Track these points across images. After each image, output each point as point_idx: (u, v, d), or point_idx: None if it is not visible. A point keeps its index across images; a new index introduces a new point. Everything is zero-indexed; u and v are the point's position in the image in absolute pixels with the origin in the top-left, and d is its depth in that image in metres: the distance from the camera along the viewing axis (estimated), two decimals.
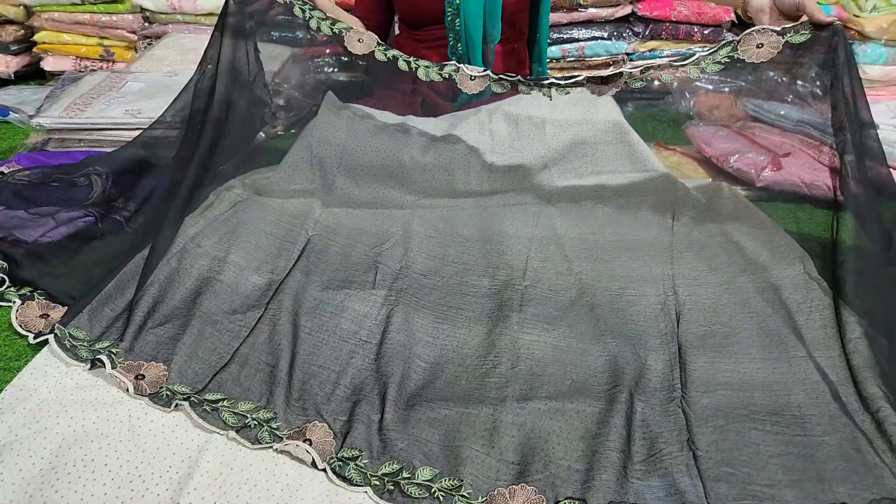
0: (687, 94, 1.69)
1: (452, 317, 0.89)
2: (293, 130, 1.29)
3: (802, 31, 0.89)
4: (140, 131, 1.27)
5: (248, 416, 0.72)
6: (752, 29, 0.91)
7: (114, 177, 1.13)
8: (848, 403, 0.75)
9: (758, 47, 0.90)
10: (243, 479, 0.66)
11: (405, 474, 0.67)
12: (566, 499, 0.64)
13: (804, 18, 0.89)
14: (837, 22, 0.88)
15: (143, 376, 0.76)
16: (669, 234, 1.06)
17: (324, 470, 0.67)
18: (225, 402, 0.74)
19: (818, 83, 1.56)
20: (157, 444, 0.69)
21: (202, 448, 0.68)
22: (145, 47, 1.77)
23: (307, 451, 0.68)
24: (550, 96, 0.99)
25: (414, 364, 0.81)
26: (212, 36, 1.07)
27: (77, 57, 1.81)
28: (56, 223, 1.03)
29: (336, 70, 1.65)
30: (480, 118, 1.18)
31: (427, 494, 0.65)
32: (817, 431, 0.72)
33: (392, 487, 0.66)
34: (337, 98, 1.20)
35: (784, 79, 1.62)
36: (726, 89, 1.69)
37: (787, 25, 0.90)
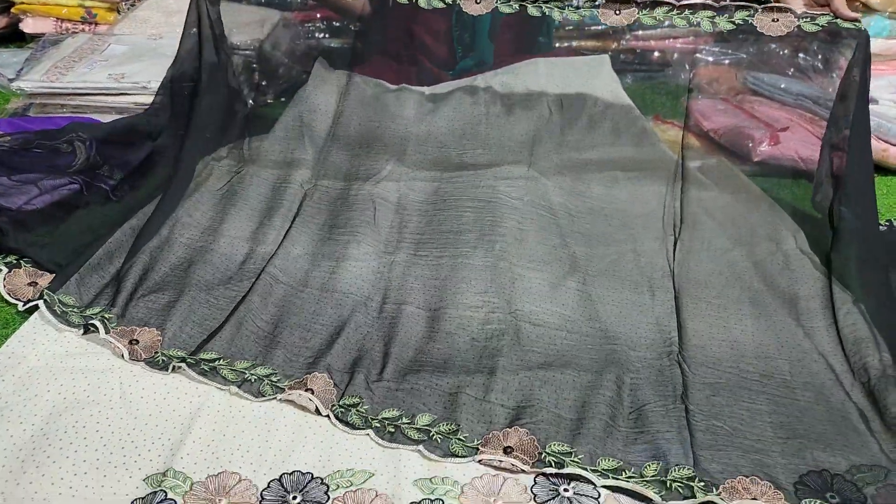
0: (687, 66, 1.68)
1: (451, 266, 0.90)
2: (283, 98, 1.27)
3: (819, 22, 0.91)
4: (124, 96, 1.24)
5: (247, 372, 0.73)
6: (776, 4, 0.93)
7: (98, 144, 1.11)
8: (840, 374, 0.77)
9: (773, 21, 0.92)
10: (236, 445, 0.66)
11: (405, 420, 0.69)
12: (555, 443, 0.66)
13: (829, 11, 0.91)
14: (860, 23, 0.90)
15: (137, 341, 0.76)
16: (665, 209, 1.06)
17: (327, 416, 0.69)
18: (221, 361, 0.74)
19: (820, 56, 1.56)
20: (149, 411, 0.69)
21: (194, 415, 0.69)
22: (128, 8, 1.72)
23: (310, 399, 0.69)
24: (562, 14, 0.99)
25: (414, 316, 0.82)
26: None
27: (58, 19, 1.75)
28: (40, 191, 1.01)
29: (327, 36, 1.62)
30: (476, 87, 1.17)
31: (426, 438, 0.67)
32: (806, 398, 0.74)
33: (393, 430, 0.68)
34: (328, 64, 1.18)
35: (786, 51, 1.61)
36: (727, 62, 1.68)
37: (809, 12, 0.92)
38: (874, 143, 1.29)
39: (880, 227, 1.05)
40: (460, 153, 1.13)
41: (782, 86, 1.41)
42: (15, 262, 0.89)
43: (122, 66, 1.34)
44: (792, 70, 1.50)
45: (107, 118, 1.27)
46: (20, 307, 0.82)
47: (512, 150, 1.13)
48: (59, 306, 0.80)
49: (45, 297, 0.80)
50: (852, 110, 0.94)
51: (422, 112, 1.14)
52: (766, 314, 0.86)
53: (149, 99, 1.27)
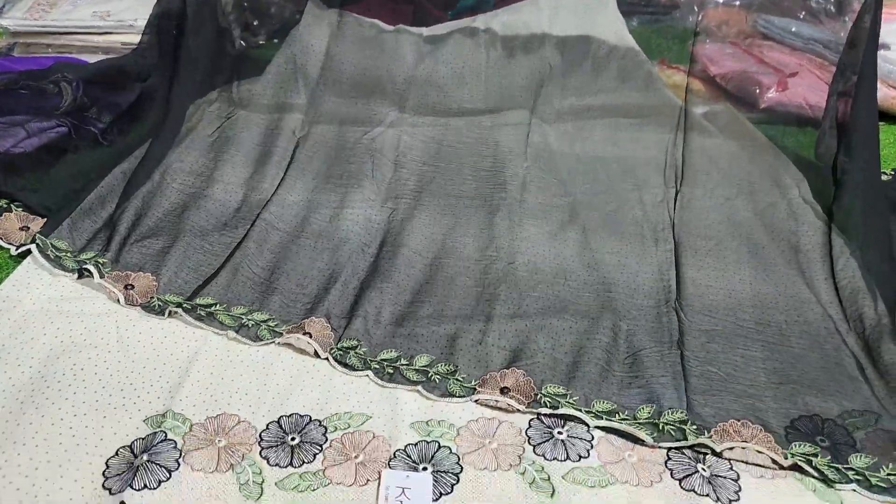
0: (695, 8, 1.62)
1: (451, 214, 0.90)
2: (275, 40, 1.23)
3: None
4: (109, 35, 1.20)
5: (244, 317, 0.73)
6: None
7: (85, 85, 1.08)
8: (837, 322, 0.77)
9: None
10: (234, 388, 0.67)
11: (403, 361, 0.70)
12: (551, 385, 0.67)
13: None
14: None
15: (133, 286, 0.76)
16: (669, 155, 1.05)
17: (326, 359, 0.69)
18: (218, 307, 0.74)
19: (833, 0, 1.50)
20: (147, 355, 0.69)
21: (192, 358, 0.69)
22: None
23: (309, 343, 0.70)
24: None
25: (413, 261, 0.82)
26: None
27: None
28: (27, 133, 0.99)
29: None
30: (476, 29, 1.13)
31: (425, 378, 0.68)
32: (801, 345, 0.75)
33: (392, 371, 0.69)
34: (322, 3, 1.13)
35: None
36: (737, 3, 1.62)
37: None
38: (884, 89, 1.26)
39: (883, 177, 1.04)
40: (460, 100, 1.10)
41: (793, 29, 1.37)
42: (5, 206, 0.88)
43: (107, 3, 1.29)
44: (804, 13, 1.46)
45: (93, 58, 1.23)
46: (13, 251, 0.81)
47: (513, 97, 1.11)
48: (52, 251, 0.79)
49: (38, 241, 0.80)
50: (860, 58, 0.91)
51: (419, 55, 1.11)
52: (766, 264, 0.86)
53: (135, 38, 1.23)
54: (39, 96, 1.06)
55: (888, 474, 0.61)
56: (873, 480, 0.61)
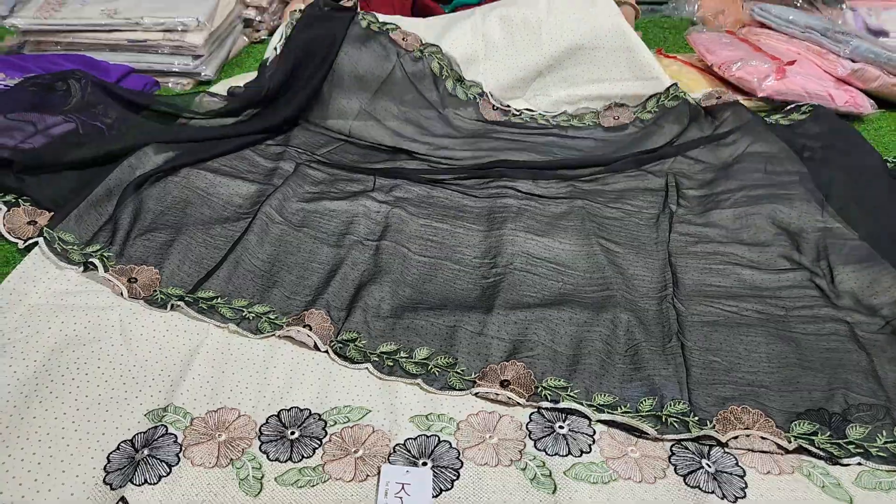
0: None
1: (452, 217, 0.90)
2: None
3: None
4: (116, 32, 1.21)
5: (245, 310, 0.73)
6: None
7: (92, 84, 1.09)
8: (844, 313, 0.76)
9: None
10: (234, 382, 0.67)
11: (403, 354, 0.69)
12: (552, 378, 0.67)
13: None
14: None
15: (136, 279, 0.76)
16: (669, 148, 1.03)
17: (325, 352, 0.69)
18: (219, 300, 0.74)
19: None
20: (149, 349, 0.70)
21: (193, 352, 0.69)
22: None
23: (308, 336, 0.70)
24: None
25: (413, 260, 0.82)
26: None
27: None
28: (36, 129, 1.00)
29: None
30: (474, 21, 1.13)
31: (424, 371, 0.68)
32: (802, 329, 0.74)
33: (391, 364, 0.68)
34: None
35: None
36: None
37: None
38: (884, 77, 1.24)
39: (887, 164, 1.02)
40: (459, 126, 1.08)
41: (790, 17, 1.35)
42: (13, 200, 0.88)
43: (116, 1, 1.30)
44: (800, 1, 1.44)
45: (100, 55, 1.24)
46: (20, 245, 0.82)
47: (511, 89, 1.10)
48: (59, 244, 0.80)
49: (45, 234, 0.80)
50: None
51: (411, 60, 1.10)
52: (766, 254, 0.85)
53: (142, 35, 1.24)
54: (47, 94, 1.07)
55: (885, 443, 0.61)
56: (873, 451, 0.61)
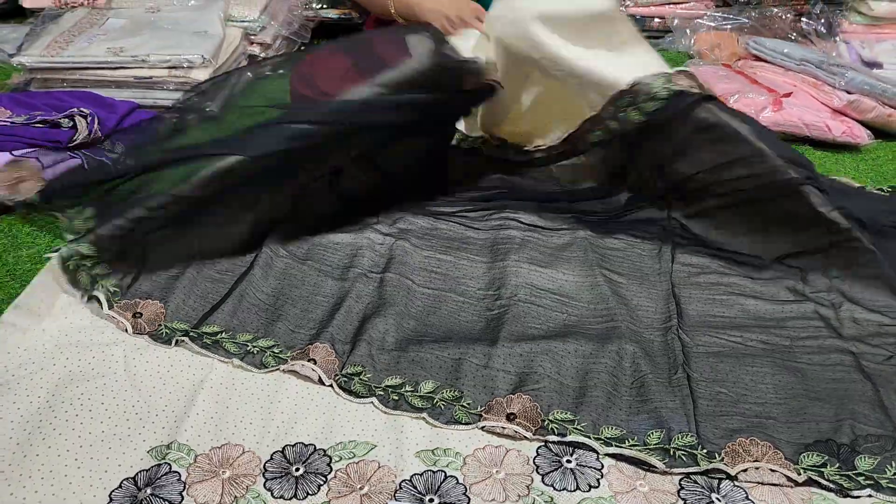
0: (688, 32, 1.65)
1: (455, 249, 0.90)
2: (281, 71, 1.25)
3: None
4: (122, 69, 1.22)
5: (249, 344, 0.73)
6: None
7: (100, 119, 1.10)
8: (850, 343, 0.76)
9: None
10: (238, 418, 0.66)
11: (408, 388, 0.69)
12: (558, 410, 0.66)
13: None
14: None
15: (141, 314, 0.76)
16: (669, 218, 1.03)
17: (330, 386, 0.69)
18: (224, 335, 0.74)
19: (822, 20, 1.52)
20: (153, 384, 0.69)
21: (197, 388, 0.69)
22: None
23: (313, 370, 0.70)
24: None
25: (417, 292, 0.82)
26: None
27: None
28: (42, 165, 1.01)
29: (325, 6, 1.59)
30: None
31: (430, 405, 0.67)
32: (808, 360, 0.74)
33: (396, 398, 0.68)
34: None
35: (788, 16, 1.57)
36: (728, 27, 1.64)
37: None
38: (880, 108, 1.26)
39: (882, 193, 1.04)
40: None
41: (785, 50, 1.38)
42: None
43: (121, 39, 1.33)
44: (794, 34, 1.47)
45: (106, 92, 1.26)
46: (50, 257, 0.83)
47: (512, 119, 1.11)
48: (74, 260, 0.79)
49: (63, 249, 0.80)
50: None
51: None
52: (770, 283, 0.85)
53: (148, 72, 1.26)
54: (54, 129, 1.09)
55: (895, 474, 0.61)
56: (883, 482, 0.60)
